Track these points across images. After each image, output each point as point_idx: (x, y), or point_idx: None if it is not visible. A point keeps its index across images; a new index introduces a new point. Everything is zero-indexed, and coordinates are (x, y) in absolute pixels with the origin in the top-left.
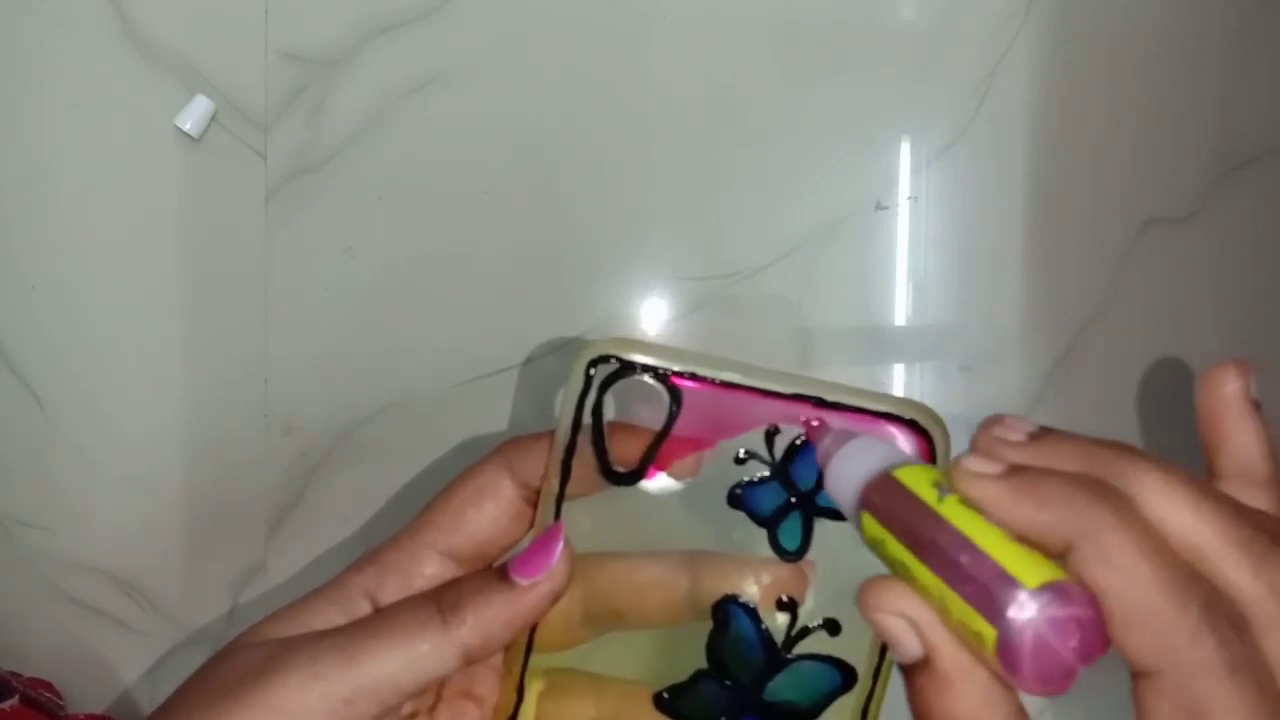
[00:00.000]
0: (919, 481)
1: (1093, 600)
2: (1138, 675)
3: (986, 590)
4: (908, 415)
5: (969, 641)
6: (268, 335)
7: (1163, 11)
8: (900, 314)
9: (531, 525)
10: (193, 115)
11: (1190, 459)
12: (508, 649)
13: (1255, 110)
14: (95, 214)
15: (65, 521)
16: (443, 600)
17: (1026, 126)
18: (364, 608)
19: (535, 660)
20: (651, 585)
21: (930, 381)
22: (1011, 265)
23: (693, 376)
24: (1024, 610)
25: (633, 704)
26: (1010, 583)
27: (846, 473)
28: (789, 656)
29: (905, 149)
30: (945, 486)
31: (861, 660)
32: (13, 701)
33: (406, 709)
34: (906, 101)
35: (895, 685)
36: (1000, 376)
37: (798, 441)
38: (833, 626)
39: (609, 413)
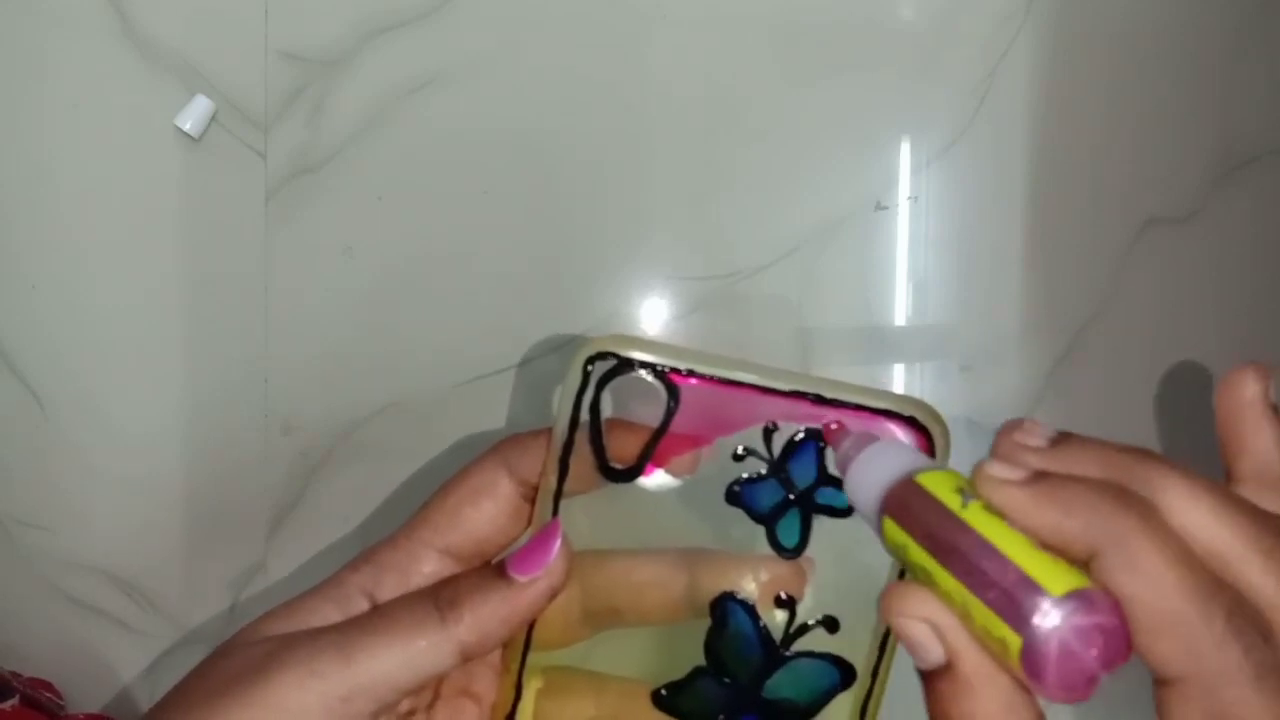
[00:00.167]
0: (942, 487)
1: (1117, 608)
2: (1162, 682)
3: (1011, 597)
4: (906, 412)
5: (992, 648)
6: (268, 335)
7: (1163, 11)
8: (900, 314)
9: (529, 523)
10: (193, 115)
11: (1191, 458)
12: (506, 646)
13: (1255, 110)
14: (95, 214)
15: (65, 521)
16: (440, 597)
17: (1026, 126)
18: (362, 605)
19: (533, 658)
20: (649, 583)
21: (930, 381)
22: (1011, 265)
23: (691, 373)
24: (1049, 618)
25: (631, 702)
26: (1035, 589)
27: (868, 477)
28: (787, 654)
29: (905, 149)
30: (969, 492)
31: (860, 658)
32: (13, 701)
33: (404, 706)
34: (906, 101)
35: (894, 683)
36: (1000, 376)
37: (796, 438)
38: (831, 624)
39: (607, 410)
